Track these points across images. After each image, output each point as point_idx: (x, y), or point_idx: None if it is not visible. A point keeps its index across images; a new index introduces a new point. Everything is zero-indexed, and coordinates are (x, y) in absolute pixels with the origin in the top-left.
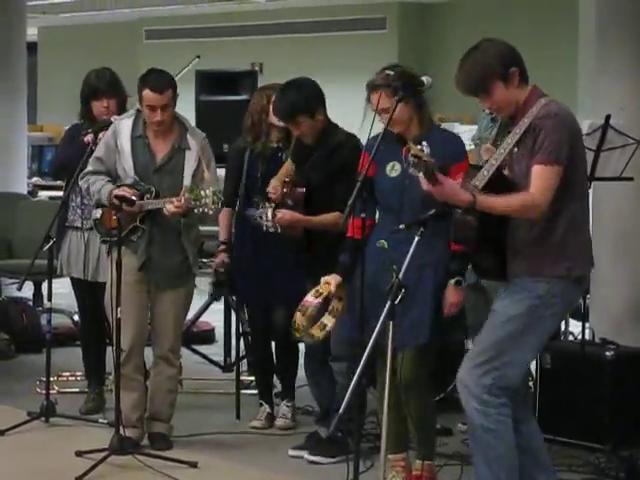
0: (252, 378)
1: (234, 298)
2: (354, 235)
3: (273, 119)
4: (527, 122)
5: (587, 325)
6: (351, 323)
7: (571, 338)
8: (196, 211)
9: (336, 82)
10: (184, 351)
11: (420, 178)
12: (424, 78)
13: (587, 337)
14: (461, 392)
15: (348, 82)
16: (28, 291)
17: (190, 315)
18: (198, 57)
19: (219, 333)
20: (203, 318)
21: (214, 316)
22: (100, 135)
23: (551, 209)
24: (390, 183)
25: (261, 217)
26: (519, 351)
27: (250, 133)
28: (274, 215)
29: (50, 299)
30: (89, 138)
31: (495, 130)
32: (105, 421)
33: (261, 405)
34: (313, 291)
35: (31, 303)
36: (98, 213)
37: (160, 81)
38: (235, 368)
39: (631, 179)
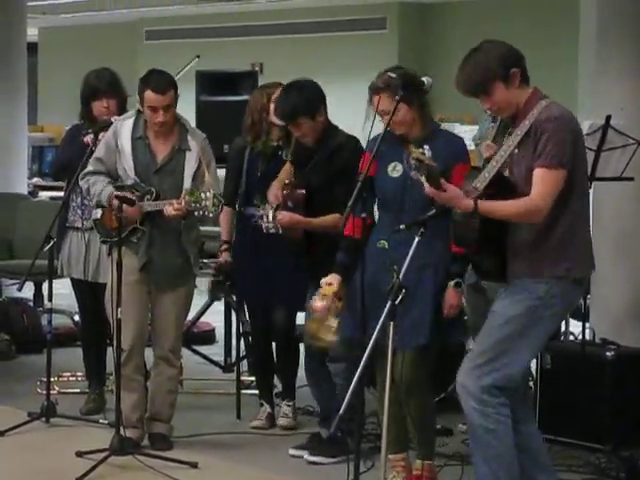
0: (252, 378)
1: (234, 298)
2: (353, 234)
3: (273, 118)
4: (528, 124)
5: (587, 325)
6: (352, 324)
7: (571, 338)
8: (196, 213)
9: (336, 82)
10: (184, 351)
11: (422, 181)
12: (424, 78)
13: (587, 337)
14: (460, 392)
15: (348, 82)
16: (29, 291)
17: (190, 315)
18: (198, 57)
19: (219, 333)
20: (203, 318)
21: (214, 316)
22: (100, 136)
23: (551, 211)
24: (391, 183)
25: (262, 218)
26: (519, 352)
27: (250, 132)
28: (274, 216)
29: (51, 299)
30: (89, 138)
31: (494, 129)
32: (105, 421)
33: (262, 405)
34: (318, 295)
35: (32, 303)
36: (98, 213)
37: (162, 82)
38: (235, 368)
39: (631, 179)
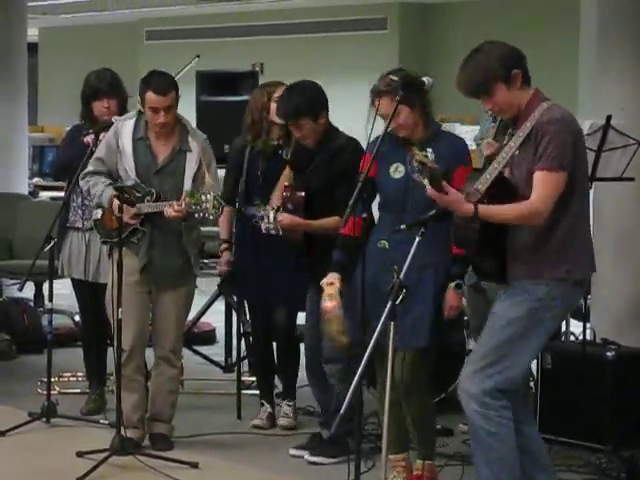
0: (253, 378)
1: (235, 298)
2: (353, 233)
3: (274, 117)
4: (529, 126)
5: (588, 325)
6: (352, 324)
7: (572, 338)
8: (197, 215)
9: (337, 82)
10: (185, 352)
11: (424, 183)
12: (425, 78)
13: (588, 337)
14: (461, 395)
15: (349, 82)
16: (29, 292)
17: (191, 316)
18: (198, 57)
19: (220, 334)
20: (204, 319)
21: (215, 317)
22: (101, 136)
23: (552, 213)
24: (393, 184)
25: (262, 219)
26: (520, 354)
27: (250, 131)
28: (275, 218)
29: (51, 300)
30: (89, 139)
31: (494, 128)
32: (106, 422)
33: (262, 405)
34: (325, 297)
35: (32, 304)
36: (98, 214)
37: (163, 83)
38: (236, 368)
39: (632, 179)
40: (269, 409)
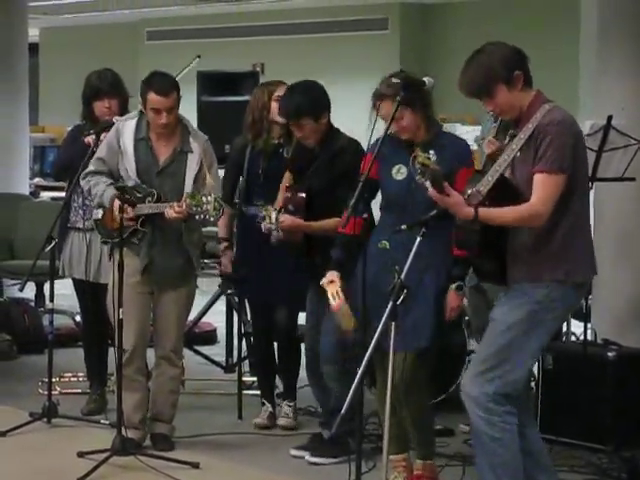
0: (254, 379)
1: (236, 299)
2: (354, 232)
3: (274, 116)
4: (531, 128)
5: (589, 326)
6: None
7: (573, 339)
8: (197, 217)
9: (338, 83)
10: (186, 352)
11: (426, 185)
12: (425, 79)
13: (589, 338)
14: (465, 401)
15: (350, 83)
16: (30, 292)
17: (192, 316)
18: (199, 57)
19: (221, 334)
20: (205, 319)
21: (216, 317)
22: (102, 136)
23: (552, 215)
24: (396, 186)
25: (264, 220)
26: (520, 357)
27: (251, 130)
28: (277, 219)
29: (52, 300)
30: (90, 139)
31: (495, 128)
32: (107, 422)
33: (263, 405)
34: (329, 296)
35: (33, 304)
36: (99, 214)
37: (165, 84)
38: (237, 369)
39: (633, 179)
40: (270, 408)
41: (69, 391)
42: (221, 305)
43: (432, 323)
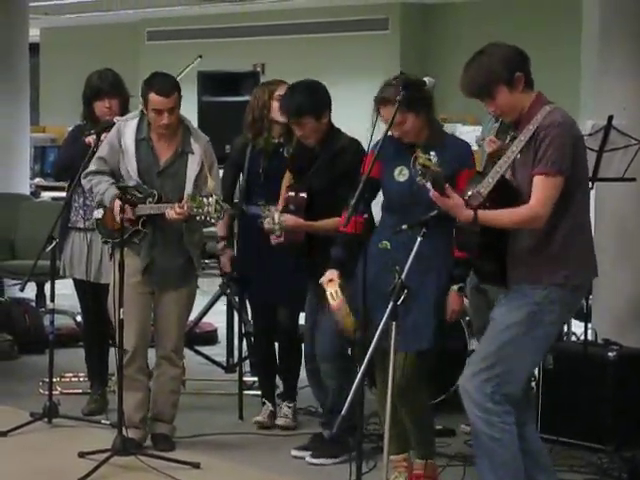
0: (255, 379)
1: (237, 298)
2: (355, 231)
3: (275, 115)
4: (532, 129)
5: (590, 326)
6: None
7: (574, 339)
8: (198, 219)
9: (339, 83)
10: (187, 352)
11: (427, 187)
12: (426, 79)
13: (590, 338)
14: (464, 400)
15: (350, 83)
16: (31, 292)
17: (193, 316)
18: (200, 57)
19: (222, 334)
20: (206, 319)
21: (217, 317)
22: (102, 136)
23: (552, 217)
24: (398, 187)
25: (266, 219)
26: (519, 358)
27: (251, 129)
28: (280, 219)
29: (53, 300)
30: (91, 139)
31: (496, 129)
32: (108, 422)
33: (264, 404)
34: (328, 296)
35: (34, 304)
36: (100, 213)
37: (166, 84)
38: (238, 369)
39: (633, 180)
40: (270, 407)
41: (70, 391)
42: (222, 305)
43: (433, 324)
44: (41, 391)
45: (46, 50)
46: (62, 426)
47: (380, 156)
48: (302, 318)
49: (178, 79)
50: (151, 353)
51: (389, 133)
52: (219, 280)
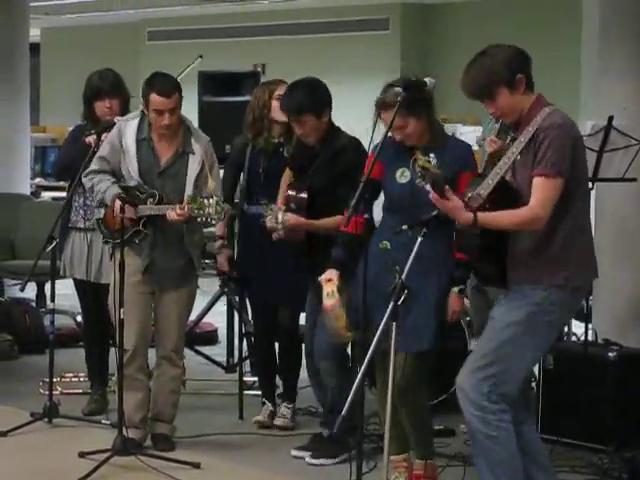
0: (255, 379)
1: (237, 298)
2: (356, 231)
3: (275, 114)
4: (531, 131)
5: (590, 326)
6: (353, 323)
7: (574, 339)
8: (199, 220)
9: (339, 83)
10: (187, 352)
11: (427, 189)
12: (427, 79)
13: (590, 338)
14: (460, 398)
15: (351, 82)
16: (31, 292)
17: (193, 316)
18: (200, 57)
19: (222, 334)
20: (206, 319)
21: (217, 317)
22: (103, 136)
23: (552, 219)
24: (399, 189)
25: (270, 220)
26: (517, 358)
27: (251, 129)
28: (283, 218)
29: (53, 300)
30: (91, 139)
31: (497, 129)
32: (108, 422)
33: (264, 404)
34: (324, 294)
35: (34, 304)
36: (101, 213)
37: (167, 85)
38: (238, 369)
39: (634, 180)
40: (271, 407)
41: (70, 391)
42: (222, 305)
43: (434, 325)
44: (41, 391)
45: (46, 50)
46: (62, 426)
47: (381, 157)
48: (302, 318)
49: (178, 79)
50: (151, 353)
51: (389, 134)
52: (219, 280)
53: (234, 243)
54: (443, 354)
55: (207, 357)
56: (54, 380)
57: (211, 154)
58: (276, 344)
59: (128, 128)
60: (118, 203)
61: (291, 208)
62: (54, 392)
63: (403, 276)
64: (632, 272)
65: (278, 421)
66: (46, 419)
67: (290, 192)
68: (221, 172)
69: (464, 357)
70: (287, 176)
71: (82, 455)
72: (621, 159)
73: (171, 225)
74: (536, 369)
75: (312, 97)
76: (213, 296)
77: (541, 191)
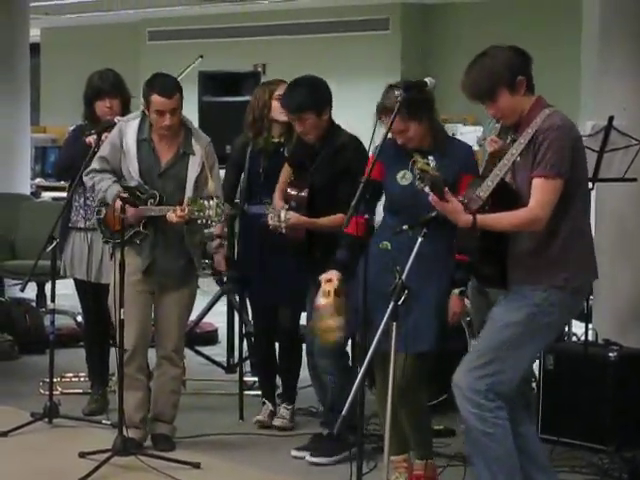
0: (255, 379)
1: (237, 298)
2: (357, 232)
3: (275, 114)
4: (531, 133)
5: (590, 326)
6: (353, 323)
7: (574, 339)
8: (199, 222)
9: (339, 83)
10: (187, 352)
11: (426, 191)
12: (427, 79)
13: (590, 338)
14: (457, 396)
15: (351, 83)
16: (31, 292)
17: (193, 316)
18: (201, 57)
19: (222, 334)
20: (206, 319)
21: (217, 317)
22: (103, 136)
23: (551, 220)
24: (400, 191)
25: (272, 218)
26: (515, 358)
27: (251, 128)
28: (285, 217)
29: (53, 300)
30: (91, 139)
31: (498, 129)
32: (108, 422)
33: (264, 404)
34: (320, 292)
35: (34, 304)
36: (102, 212)
37: (168, 85)
38: (238, 369)
39: (634, 180)
40: (270, 407)
41: (70, 391)
42: (222, 305)
43: (434, 326)
44: (42, 391)
45: (47, 50)
46: (63, 426)
47: (381, 158)
48: (303, 318)
49: (179, 79)
50: (151, 353)
51: (389, 136)
52: (214, 280)
53: (234, 243)
54: (443, 354)
55: (207, 357)
56: (54, 380)
57: (211, 155)
58: (276, 344)
59: (129, 128)
60: (119, 203)
61: (291, 206)
62: (54, 392)
63: (403, 276)
64: (632, 272)
65: (277, 422)
66: (46, 419)
67: (290, 190)
68: (222, 172)
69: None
70: (286, 172)
71: (82, 455)
72: (621, 159)
73: (171, 226)
74: (536, 369)
75: (313, 95)
76: (213, 296)
77: (540, 192)
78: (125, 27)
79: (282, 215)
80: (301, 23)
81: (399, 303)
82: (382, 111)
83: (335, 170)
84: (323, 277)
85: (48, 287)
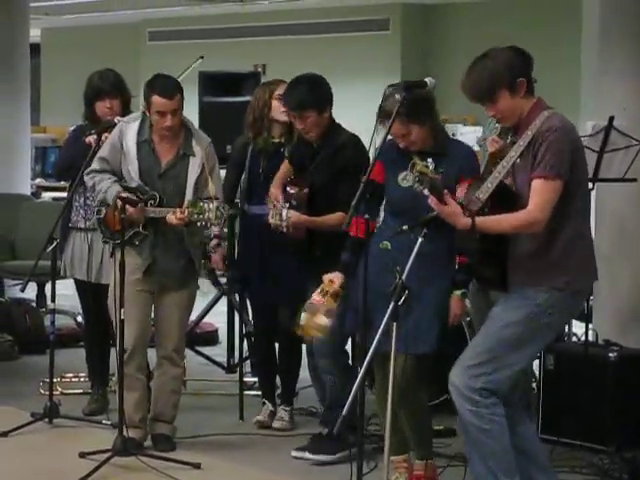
0: (255, 379)
1: (237, 298)
2: (358, 234)
3: (275, 114)
4: (530, 134)
5: (590, 326)
6: (353, 323)
7: (574, 339)
8: (199, 224)
9: (339, 83)
10: (187, 352)
11: (425, 193)
12: (427, 79)
13: (590, 338)
14: (452, 393)
15: (351, 83)
16: (31, 292)
17: (194, 316)
18: (202, 57)
19: (222, 334)
20: (206, 319)
21: (217, 317)
22: (103, 136)
23: (551, 222)
24: (401, 192)
25: (273, 217)
26: (512, 357)
27: (252, 129)
28: (287, 215)
29: (53, 300)
30: (91, 139)
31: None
32: (108, 422)
33: (264, 404)
34: (318, 289)
35: (34, 304)
36: (101, 212)
37: (169, 86)
38: (238, 369)
39: (634, 180)
40: (271, 407)
41: (70, 391)
42: (222, 306)
43: (435, 327)
44: (42, 391)
45: (47, 50)
46: (63, 426)
47: (381, 159)
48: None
49: (179, 80)
50: (152, 353)
51: (389, 137)
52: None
53: (234, 243)
54: (443, 354)
55: (207, 357)
56: (54, 380)
57: (212, 156)
58: (276, 344)
59: (129, 129)
60: (119, 203)
61: (292, 205)
62: (54, 392)
63: (404, 276)
64: (633, 272)
65: (276, 424)
66: (46, 419)
67: (291, 189)
68: (222, 172)
69: None
70: (285, 167)
71: (82, 455)
72: (621, 159)
73: (171, 227)
74: (536, 369)
75: (314, 93)
76: (213, 296)
77: (539, 194)
78: (125, 27)
79: (283, 214)
80: (301, 23)
81: (399, 303)
82: (383, 115)
83: (335, 169)
84: (327, 276)
85: (48, 287)
